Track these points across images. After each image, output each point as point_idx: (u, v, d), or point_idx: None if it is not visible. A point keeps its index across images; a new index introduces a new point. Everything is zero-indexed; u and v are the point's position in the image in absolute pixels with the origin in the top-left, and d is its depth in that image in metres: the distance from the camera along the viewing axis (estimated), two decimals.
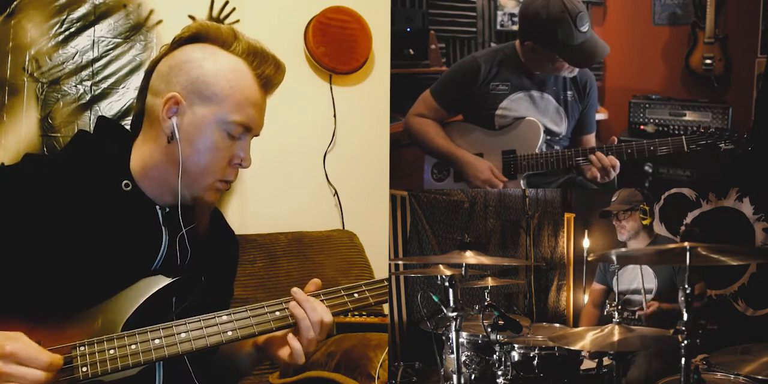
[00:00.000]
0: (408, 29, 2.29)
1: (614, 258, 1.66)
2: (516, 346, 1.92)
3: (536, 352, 1.92)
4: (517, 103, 2.15)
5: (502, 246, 2.46)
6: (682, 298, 1.29)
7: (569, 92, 2.16)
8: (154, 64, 1.37)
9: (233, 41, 1.35)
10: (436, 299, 1.72)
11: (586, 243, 2.41)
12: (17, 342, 1.10)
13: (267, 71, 1.36)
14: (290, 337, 1.33)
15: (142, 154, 1.35)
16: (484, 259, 1.89)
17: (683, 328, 1.29)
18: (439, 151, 2.20)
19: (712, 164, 2.11)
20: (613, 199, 2.23)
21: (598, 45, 2.03)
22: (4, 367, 1.07)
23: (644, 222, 2.21)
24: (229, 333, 1.28)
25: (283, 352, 1.36)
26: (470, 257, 1.86)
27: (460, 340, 1.86)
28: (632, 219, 2.21)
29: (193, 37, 1.35)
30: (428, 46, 2.32)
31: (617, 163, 2.02)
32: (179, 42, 1.36)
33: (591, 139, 2.22)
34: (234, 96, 1.32)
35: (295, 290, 1.34)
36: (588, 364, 1.99)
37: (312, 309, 1.31)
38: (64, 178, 1.29)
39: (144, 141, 1.36)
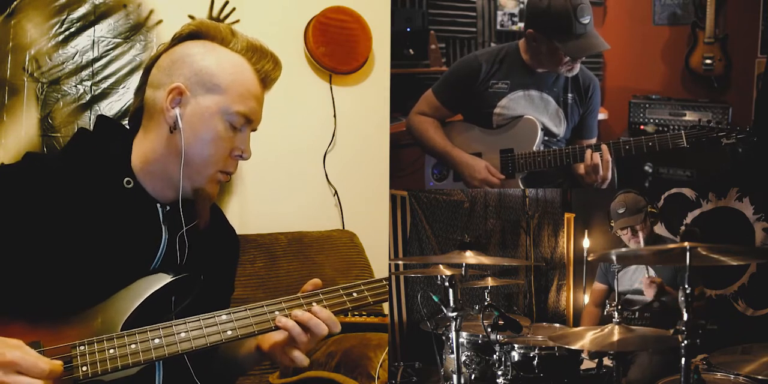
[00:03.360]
0: (408, 29, 2.29)
1: (614, 258, 1.66)
2: (516, 346, 1.92)
3: (536, 352, 1.91)
4: (515, 101, 2.15)
5: (502, 246, 2.45)
6: (682, 298, 1.29)
7: (570, 94, 2.16)
8: (153, 60, 1.38)
9: (232, 39, 1.37)
10: (436, 299, 1.72)
11: (586, 243, 2.40)
12: (17, 350, 1.09)
13: (266, 67, 1.38)
14: (287, 348, 1.33)
15: (143, 149, 1.36)
16: (484, 259, 1.89)
17: (683, 328, 1.28)
18: (436, 149, 2.21)
19: (712, 164, 2.10)
20: (621, 211, 2.18)
21: (597, 39, 2.04)
22: (3, 376, 1.07)
23: (654, 225, 2.19)
24: (229, 332, 1.27)
25: (286, 358, 1.37)
26: (470, 257, 1.86)
27: (460, 340, 1.86)
28: (646, 227, 2.19)
29: (192, 34, 1.37)
30: (428, 46, 2.32)
31: (608, 159, 2.00)
32: (179, 38, 1.37)
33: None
34: (236, 88, 1.34)
35: (297, 314, 1.31)
36: (588, 364, 1.99)
37: (316, 325, 1.31)
38: (66, 176, 1.29)
39: (144, 135, 1.37)
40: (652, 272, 2.18)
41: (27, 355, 1.09)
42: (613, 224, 2.21)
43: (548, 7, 2.03)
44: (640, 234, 2.19)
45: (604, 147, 2.02)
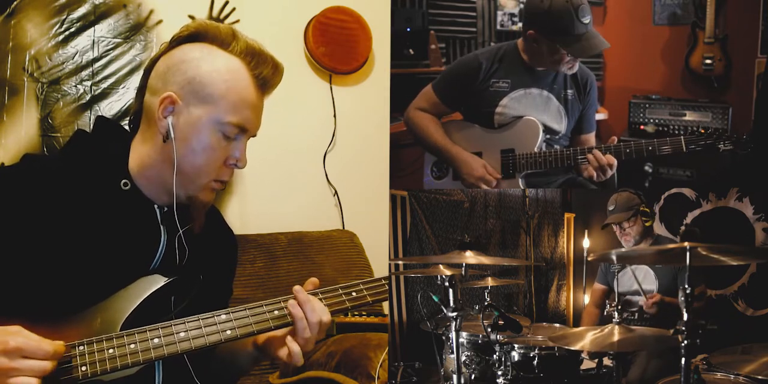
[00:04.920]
0: (408, 29, 2.29)
1: (614, 258, 1.66)
2: (516, 346, 1.92)
3: (536, 352, 1.91)
4: (516, 100, 2.15)
5: (502, 246, 2.45)
6: (682, 298, 1.29)
7: (570, 91, 2.17)
8: (153, 62, 1.37)
9: (232, 41, 1.35)
10: (436, 299, 1.72)
11: (586, 243, 2.40)
12: (19, 336, 1.11)
13: (265, 72, 1.36)
14: (288, 339, 1.34)
15: (139, 154, 1.35)
16: (484, 259, 1.89)
17: (683, 328, 1.28)
18: (435, 147, 2.21)
19: (712, 165, 2.10)
20: (611, 208, 2.21)
21: (598, 39, 2.05)
22: (11, 362, 1.08)
23: (647, 224, 2.20)
24: (228, 332, 1.28)
25: (283, 352, 1.36)
26: (470, 257, 1.86)
27: (460, 340, 1.86)
28: (637, 225, 2.20)
29: (191, 36, 1.35)
30: (428, 46, 2.32)
31: (614, 162, 2.02)
32: (178, 40, 1.36)
33: (590, 139, 2.22)
34: (230, 97, 1.32)
35: (297, 289, 1.34)
36: (588, 364, 1.99)
37: (311, 310, 1.32)
38: (63, 178, 1.29)
39: (142, 140, 1.36)
40: (653, 274, 2.18)
41: (29, 339, 1.11)
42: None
43: (549, 7, 2.04)
44: (629, 231, 2.19)
45: (606, 154, 2.03)
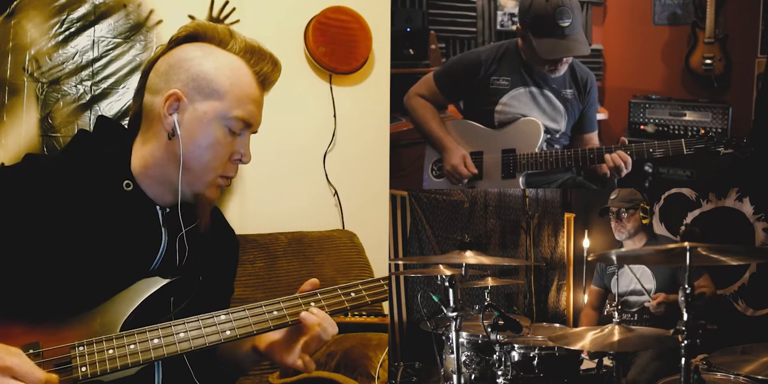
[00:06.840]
0: (408, 29, 2.29)
1: (614, 258, 1.66)
2: (516, 346, 1.92)
3: (536, 352, 1.91)
4: (516, 99, 2.15)
5: (502, 246, 2.45)
6: (682, 298, 1.29)
7: (569, 90, 2.17)
8: (151, 63, 1.37)
9: (230, 40, 1.36)
10: (436, 299, 1.72)
11: (586, 243, 2.40)
12: (16, 357, 1.09)
13: (264, 68, 1.37)
14: (303, 357, 1.36)
15: (142, 153, 1.35)
16: (484, 259, 1.89)
17: (683, 328, 1.28)
18: (431, 135, 2.23)
19: (712, 165, 2.10)
20: (613, 197, 2.22)
21: (576, 43, 2.05)
22: (0, 380, 1.07)
23: (644, 221, 2.20)
24: (228, 332, 1.28)
25: (289, 359, 1.37)
26: (470, 257, 1.85)
27: (460, 340, 1.86)
28: (633, 218, 2.20)
29: (190, 36, 1.36)
30: (428, 46, 2.32)
31: (628, 160, 2.02)
32: (176, 41, 1.37)
33: (593, 138, 2.23)
34: (234, 92, 1.33)
35: (304, 316, 1.33)
36: (588, 364, 1.99)
37: (323, 330, 1.32)
38: (65, 178, 1.29)
39: (144, 140, 1.37)
40: (650, 273, 2.18)
41: (25, 363, 1.09)
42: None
43: (530, 6, 2.06)
44: (625, 223, 2.19)
45: (618, 154, 2.04)
